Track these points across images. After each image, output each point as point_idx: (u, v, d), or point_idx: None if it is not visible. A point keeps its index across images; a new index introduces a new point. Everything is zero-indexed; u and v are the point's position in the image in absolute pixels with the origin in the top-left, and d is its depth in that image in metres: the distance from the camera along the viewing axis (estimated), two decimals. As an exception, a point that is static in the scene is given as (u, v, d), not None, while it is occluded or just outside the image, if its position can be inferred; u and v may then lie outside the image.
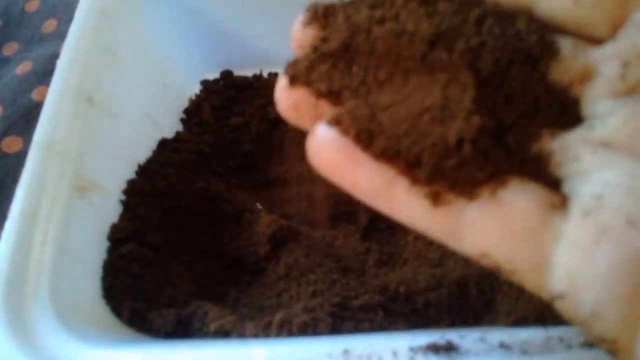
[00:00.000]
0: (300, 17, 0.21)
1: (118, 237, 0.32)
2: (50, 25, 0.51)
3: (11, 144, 0.45)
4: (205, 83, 0.47)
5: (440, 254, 0.31)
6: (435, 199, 0.17)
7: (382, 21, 0.19)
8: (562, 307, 0.16)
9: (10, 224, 0.28)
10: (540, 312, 0.25)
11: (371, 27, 0.19)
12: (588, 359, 0.21)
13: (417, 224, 0.18)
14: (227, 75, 0.47)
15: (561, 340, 0.22)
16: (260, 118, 0.44)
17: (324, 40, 0.20)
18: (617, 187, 0.16)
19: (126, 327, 0.29)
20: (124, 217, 0.33)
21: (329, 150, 0.19)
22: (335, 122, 0.19)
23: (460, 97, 0.18)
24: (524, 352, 0.22)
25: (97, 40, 0.36)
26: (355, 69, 0.19)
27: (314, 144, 0.19)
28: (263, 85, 0.46)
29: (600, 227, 0.16)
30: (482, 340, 0.22)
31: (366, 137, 0.18)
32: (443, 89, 0.18)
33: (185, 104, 0.45)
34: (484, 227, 0.17)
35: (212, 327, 0.28)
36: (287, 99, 0.20)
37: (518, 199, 0.17)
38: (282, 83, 0.20)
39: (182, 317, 0.29)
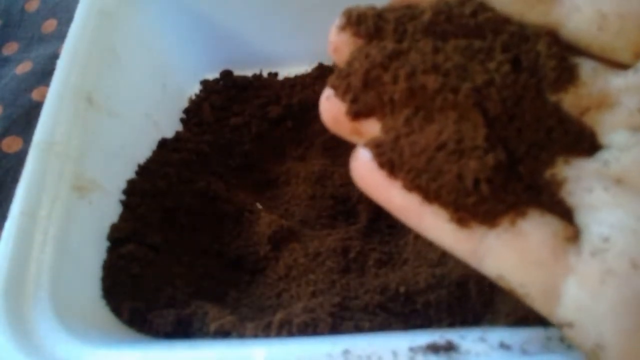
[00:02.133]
0: (336, 22, 0.22)
1: (118, 237, 0.32)
2: (50, 25, 0.51)
3: (11, 144, 0.45)
4: (205, 83, 0.47)
5: (440, 254, 0.31)
6: (459, 223, 0.19)
7: (395, 57, 0.20)
8: (569, 334, 0.17)
9: (10, 224, 0.28)
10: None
11: (384, 62, 0.20)
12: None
13: (443, 243, 0.19)
14: (227, 75, 0.47)
15: (561, 340, 0.22)
16: (260, 118, 0.44)
17: (347, 73, 0.21)
18: (624, 230, 0.17)
19: (126, 327, 0.29)
20: (124, 217, 0.33)
21: (366, 170, 0.20)
22: (369, 146, 0.20)
23: (473, 134, 0.18)
24: (524, 352, 0.22)
25: (97, 40, 0.36)
26: (378, 96, 0.20)
27: (354, 163, 0.21)
28: (263, 85, 0.46)
29: (606, 269, 0.17)
30: (482, 340, 0.22)
31: (389, 167, 0.19)
32: (456, 123, 0.19)
33: (185, 104, 0.45)
34: (502, 253, 0.18)
35: (212, 327, 0.28)
36: (328, 111, 0.21)
37: (535, 231, 0.18)
38: (325, 94, 0.21)
39: (182, 317, 0.29)
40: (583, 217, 0.18)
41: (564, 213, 0.18)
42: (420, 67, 0.19)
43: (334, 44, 0.22)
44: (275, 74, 0.48)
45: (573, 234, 0.18)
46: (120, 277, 0.30)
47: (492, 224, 0.18)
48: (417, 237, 0.34)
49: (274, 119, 0.44)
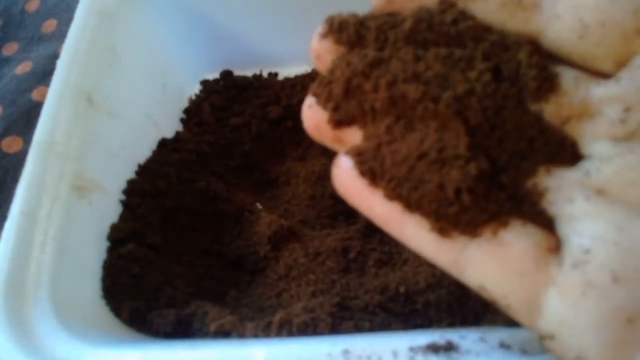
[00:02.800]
0: (318, 29, 0.22)
1: (118, 237, 0.32)
2: (50, 25, 0.51)
3: (11, 144, 0.45)
4: (205, 83, 0.47)
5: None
6: (441, 233, 0.18)
7: (376, 65, 0.20)
8: (550, 346, 0.17)
9: (10, 224, 0.28)
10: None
11: (365, 71, 0.20)
12: None
13: (424, 252, 0.19)
14: (227, 75, 0.47)
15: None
16: (260, 118, 0.44)
17: (329, 81, 0.21)
18: (605, 242, 0.17)
19: (126, 327, 0.29)
20: (124, 217, 0.33)
21: (348, 178, 0.20)
22: (350, 154, 0.20)
23: (455, 143, 0.18)
24: (524, 352, 0.22)
25: (97, 40, 0.36)
26: (359, 105, 0.20)
27: (335, 171, 0.20)
28: (263, 85, 0.46)
29: (587, 281, 0.16)
30: (482, 340, 0.22)
31: (370, 176, 0.19)
32: (437, 132, 0.19)
33: (185, 104, 0.45)
34: (483, 264, 0.18)
35: (212, 327, 0.28)
36: (310, 119, 0.21)
37: (517, 241, 0.18)
38: (307, 102, 0.21)
39: (182, 317, 0.29)
40: (564, 228, 0.18)
41: (546, 223, 0.18)
42: (401, 76, 0.19)
43: (316, 51, 0.22)
44: (275, 74, 0.48)
45: (555, 244, 0.18)
46: (120, 277, 0.30)
47: (473, 233, 0.18)
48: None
49: (274, 119, 0.44)
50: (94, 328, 0.27)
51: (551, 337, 0.17)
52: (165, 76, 0.43)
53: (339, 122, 0.20)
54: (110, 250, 0.31)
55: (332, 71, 0.21)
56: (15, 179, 0.37)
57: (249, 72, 0.47)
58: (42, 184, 0.29)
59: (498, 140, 0.19)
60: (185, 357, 0.25)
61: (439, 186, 0.18)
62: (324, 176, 0.40)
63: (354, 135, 0.21)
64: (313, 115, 0.21)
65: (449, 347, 0.22)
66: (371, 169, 0.19)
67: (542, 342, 0.18)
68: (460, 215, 0.18)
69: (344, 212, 0.39)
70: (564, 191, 0.18)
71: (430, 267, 0.30)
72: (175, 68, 0.44)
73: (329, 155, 0.42)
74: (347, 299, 0.29)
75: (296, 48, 0.46)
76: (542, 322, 0.17)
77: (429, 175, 0.18)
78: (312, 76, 0.46)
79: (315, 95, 0.21)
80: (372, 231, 0.36)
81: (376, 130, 0.20)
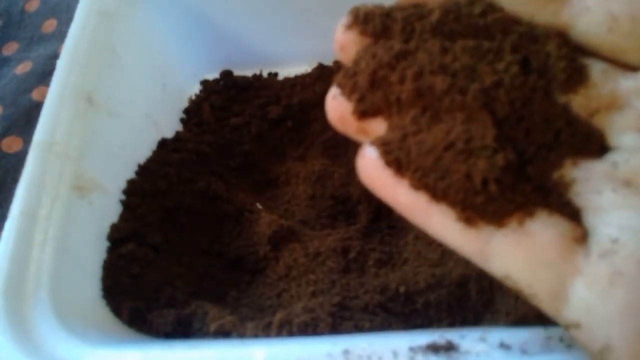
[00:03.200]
0: (343, 20, 0.22)
1: (118, 237, 0.32)
2: (50, 25, 0.51)
3: (11, 144, 0.45)
4: (205, 83, 0.47)
5: (440, 254, 0.31)
6: (467, 222, 0.18)
7: (402, 57, 0.20)
8: (577, 335, 0.17)
9: (10, 224, 0.28)
10: (540, 312, 0.25)
11: (391, 62, 0.20)
12: (588, 359, 0.21)
13: (450, 242, 0.19)
14: (227, 75, 0.47)
15: (561, 340, 0.22)
16: (260, 118, 0.44)
17: (354, 72, 0.21)
18: (633, 232, 0.17)
19: (126, 327, 0.29)
20: (124, 217, 0.33)
21: (373, 168, 0.20)
22: (375, 144, 0.20)
23: (482, 133, 0.18)
24: (524, 351, 0.22)
25: (97, 40, 0.36)
26: (385, 96, 0.20)
27: (360, 161, 0.20)
28: (263, 85, 0.46)
29: (615, 270, 0.17)
30: (482, 340, 0.22)
31: (396, 166, 0.19)
32: (464, 123, 0.19)
33: (185, 104, 0.45)
34: (509, 253, 0.18)
35: (212, 327, 0.28)
36: (334, 110, 0.21)
37: (543, 231, 0.18)
38: (331, 94, 0.21)
39: (182, 317, 0.29)
40: (591, 219, 0.18)
41: (572, 214, 0.18)
42: (427, 68, 0.19)
43: (341, 42, 0.21)
44: (275, 74, 0.48)
45: (581, 235, 0.18)
46: (120, 277, 0.30)
47: (499, 223, 0.18)
48: (417, 237, 0.34)
49: (274, 119, 0.44)
50: (94, 328, 0.27)
51: (577, 326, 0.17)
52: (165, 76, 0.43)
53: (363, 113, 0.20)
54: (110, 250, 0.31)
55: (357, 62, 0.21)
56: (15, 179, 0.37)
57: (249, 72, 0.47)
58: (42, 184, 0.29)
59: (525, 132, 0.19)
60: (185, 357, 0.25)
61: (466, 176, 0.18)
62: (324, 176, 0.40)
63: (378, 127, 0.20)
64: (337, 106, 0.21)
65: (449, 347, 0.22)
66: (397, 158, 0.19)
67: (567, 331, 0.18)
68: (487, 205, 0.18)
69: (344, 212, 0.39)
70: (591, 183, 0.18)
71: (430, 267, 0.31)
72: (175, 68, 0.44)
73: (329, 155, 0.42)
74: (347, 299, 0.29)
75: (296, 48, 0.46)
76: (568, 311, 0.17)
77: (455, 166, 0.18)
78: (312, 76, 0.46)
79: (340, 86, 0.21)
80: (372, 231, 0.36)
81: (402, 121, 0.20)
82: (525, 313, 0.26)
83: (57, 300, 0.27)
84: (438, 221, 0.19)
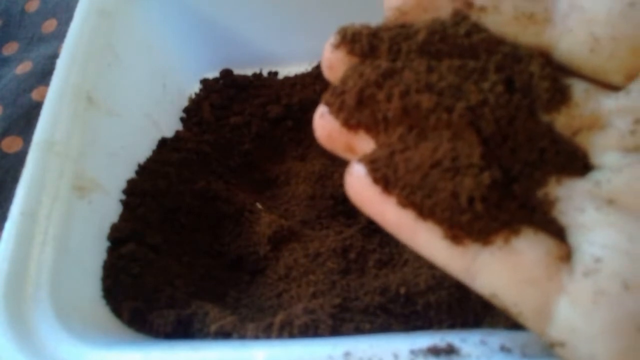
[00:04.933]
0: (330, 40, 0.22)
1: (118, 237, 0.32)
2: (50, 25, 0.51)
3: (11, 144, 0.45)
4: (205, 82, 0.47)
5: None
6: (453, 240, 0.19)
7: (389, 76, 0.20)
8: (561, 354, 0.17)
9: (10, 224, 0.28)
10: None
11: (378, 81, 0.20)
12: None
13: (437, 259, 0.19)
14: (227, 74, 0.47)
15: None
16: (260, 118, 0.44)
17: (342, 91, 0.21)
18: (616, 251, 0.17)
19: (126, 327, 0.29)
20: (124, 217, 0.33)
21: (361, 185, 0.20)
22: (363, 162, 0.20)
23: (468, 151, 0.19)
24: (524, 355, 0.22)
25: (97, 40, 0.36)
26: (372, 114, 0.20)
27: (348, 178, 0.21)
28: (263, 85, 0.46)
29: (598, 289, 0.17)
30: (482, 343, 0.22)
31: (383, 183, 0.20)
32: (450, 141, 0.19)
33: (185, 103, 0.45)
34: (495, 271, 0.18)
35: (213, 327, 0.28)
36: (322, 128, 0.21)
37: (529, 249, 0.18)
38: (319, 112, 0.21)
39: (182, 317, 0.29)
40: (575, 237, 0.18)
41: (557, 232, 0.18)
42: (414, 86, 0.19)
43: (329, 62, 0.22)
44: (275, 74, 0.48)
45: (566, 253, 0.18)
46: (120, 277, 0.30)
47: (485, 241, 0.18)
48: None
49: (274, 118, 0.44)
50: (94, 328, 0.27)
51: (562, 344, 0.17)
52: (165, 76, 0.43)
53: (351, 128, 0.21)
54: (110, 250, 0.31)
55: (344, 81, 0.21)
56: (15, 179, 0.37)
57: (249, 72, 0.47)
58: (42, 184, 0.29)
59: (510, 151, 0.19)
60: (186, 357, 0.25)
61: (452, 194, 0.18)
62: (324, 176, 0.40)
63: (365, 145, 0.21)
64: (325, 124, 0.21)
65: (450, 350, 0.22)
66: (384, 176, 0.20)
67: (552, 349, 0.18)
68: (473, 223, 0.18)
69: (344, 212, 0.39)
70: (574, 201, 0.18)
71: (431, 268, 0.30)
72: (175, 68, 0.44)
73: (329, 155, 0.42)
74: (348, 300, 0.29)
75: (296, 47, 0.46)
76: (552, 329, 0.18)
77: (442, 183, 0.19)
78: (312, 75, 0.46)
79: (328, 104, 0.21)
80: (372, 232, 0.36)
81: (389, 139, 0.20)
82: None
83: (57, 300, 0.27)
84: (425, 239, 0.19)
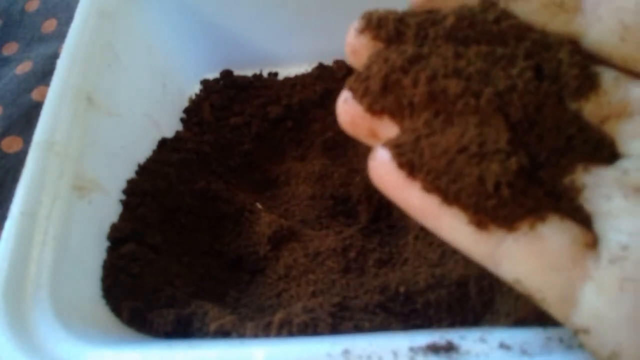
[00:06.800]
0: (355, 24, 0.22)
1: (118, 237, 0.32)
2: (50, 25, 0.51)
3: (11, 144, 0.45)
4: (205, 83, 0.47)
5: (440, 254, 0.31)
6: (478, 226, 0.19)
7: (415, 61, 0.20)
8: (585, 341, 0.17)
9: (10, 224, 0.28)
10: (540, 312, 0.25)
11: (404, 66, 0.20)
12: (588, 360, 0.21)
13: (461, 245, 0.19)
14: (227, 75, 0.47)
15: (561, 340, 0.22)
16: (260, 118, 0.44)
17: (366, 77, 0.21)
18: None
19: (126, 327, 0.29)
20: (124, 217, 0.33)
21: (385, 170, 0.20)
22: (388, 146, 0.20)
23: (495, 136, 0.18)
24: (524, 352, 0.22)
25: (97, 40, 0.36)
26: (397, 100, 0.20)
27: (372, 163, 0.21)
28: (263, 85, 0.46)
29: (625, 276, 0.17)
30: (482, 340, 0.22)
31: (408, 168, 0.19)
32: (477, 127, 0.19)
33: (185, 103, 0.45)
34: (520, 257, 0.18)
35: (212, 327, 0.28)
36: (346, 113, 0.21)
37: (555, 235, 0.18)
38: (342, 97, 0.21)
39: (182, 317, 0.29)
40: (601, 225, 0.18)
41: (583, 219, 0.18)
42: (441, 71, 0.19)
43: (352, 47, 0.22)
44: (275, 74, 0.48)
45: (592, 240, 0.18)
46: (120, 277, 0.30)
47: (511, 227, 0.18)
48: (417, 237, 0.34)
49: (274, 119, 0.44)
50: (94, 328, 0.27)
51: (586, 331, 0.17)
52: (165, 76, 0.43)
53: (375, 113, 0.21)
54: (110, 250, 0.31)
55: (369, 67, 0.21)
56: (15, 179, 0.37)
57: (249, 72, 0.47)
58: (42, 184, 0.29)
59: (537, 137, 0.19)
60: (185, 357, 0.25)
61: (478, 179, 0.18)
62: (324, 176, 0.40)
63: (389, 130, 0.21)
64: (349, 110, 0.21)
65: (449, 348, 0.22)
66: (410, 161, 0.19)
67: (576, 336, 0.18)
68: (499, 209, 0.18)
69: (344, 212, 0.39)
70: (601, 189, 0.18)
71: (430, 267, 0.31)
72: (175, 68, 0.44)
73: (329, 155, 0.42)
74: (347, 299, 0.29)
75: (296, 48, 0.46)
76: (577, 316, 0.17)
77: (468, 169, 0.18)
78: (312, 76, 0.46)
79: (352, 90, 0.21)
80: (372, 231, 0.36)
81: (414, 124, 0.20)
82: (525, 313, 0.26)
83: (57, 300, 0.27)
84: (449, 224, 0.19)
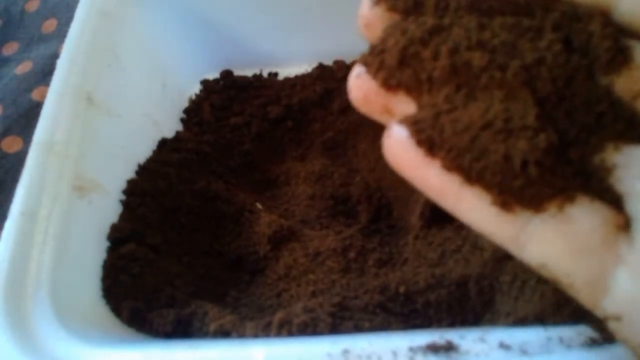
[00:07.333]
0: None
1: (118, 237, 0.32)
2: (50, 25, 0.51)
3: (11, 144, 0.45)
4: (205, 83, 0.47)
5: (440, 254, 0.31)
6: (503, 207, 0.18)
7: (436, 33, 0.19)
8: (616, 328, 0.17)
9: (10, 224, 0.28)
10: (540, 312, 0.25)
11: (424, 38, 0.19)
12: (588, 359, 0.21)
13: (482, 227, 0.18)
14: (227, 75, 0.47)
15: (561, 340, 0.22)
16: (260, 118, 0.44)
17: (381, 50, 0.20)
18: None
19: (126, 327, 0.29)
20: (124, 217, 0.33)
21: (401, 148, 0.19)
22: (405, 123, 0.19)
23: (522, 112, 0.17)
24: (524, 352, 0.22)
25: (97, 40, 0.36)
26: (415, 74, 0.19)
27: (387, 141, 0.19)
28: (263, 85, 0.46)
29: None
30: (481, 340, 0.22)
31: (428, 145, 0.18)
32: (502, 102, 0.18)
33: (185, 104, 0.45)
34: (547, 240, 0.17)
35: (212, 327, 0.28)
36: (358, 89, 0.20)
37: (585, 217, 0.17)
38: (354, 72, 0.20)
39: (182, 317, 0.29)
40: (634, 206, 0.17)
41: (614, 200, 0.17)
42: (464, 43, 0.18)
43: (366, 19, 0.20)
44: (275, 74, 0.48)
45: (624, 222, 0.17)
46: (120, 277, 0.30)
47: (538, 208, 0.17)
48: (417, 237, 0.34)
49: (274, 119, 0.44)
50: (94, 328, 0.27)
51: (618, 318, 0.17)
52: (165, 76, 0.43)
53: (391, 88, 0.19)
54: (110, 250, 0.31)
55: (384, 39, 0.20)
56: (15, 179, 0.37)
57: (249, 72, 0.47)
58: (42, 184, 0.29)
59: (566, 113, 0.18)
60: (185, 357, 0.25)
61: (504, 157, 0.17)
62: (324, 176, 0.40)
63: (405, 107, 0.19)
64: (362, 85, 0.20)
65: (449, 347, 0.22)
66: (429, 138, 0.18)
67: (606, 323, 0.17)
68: (526, 189, 0.17)
69: (344, 212, 0.39)
70: (633, 168, 0.17)
71: (430, 267, 0.31)
72: (175, 68, 0.44)
73: (329, 155, 0.42)
74: (347, 299, 0.29)
75: (296, 48, 0.46)
76: (608, 302, 0.17)
77: (493, 146, 0.17)
78: (312, 76, 0.46)
79: (366, 64, 0.20)
80: (372, 231, 0.36)
81: (433, 99, 0.19)
82: (525, 313, 0.26)
83: (57, 300, 0.27)
84: (470, 205, 0.18)
